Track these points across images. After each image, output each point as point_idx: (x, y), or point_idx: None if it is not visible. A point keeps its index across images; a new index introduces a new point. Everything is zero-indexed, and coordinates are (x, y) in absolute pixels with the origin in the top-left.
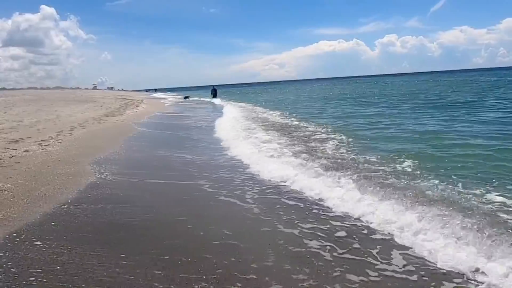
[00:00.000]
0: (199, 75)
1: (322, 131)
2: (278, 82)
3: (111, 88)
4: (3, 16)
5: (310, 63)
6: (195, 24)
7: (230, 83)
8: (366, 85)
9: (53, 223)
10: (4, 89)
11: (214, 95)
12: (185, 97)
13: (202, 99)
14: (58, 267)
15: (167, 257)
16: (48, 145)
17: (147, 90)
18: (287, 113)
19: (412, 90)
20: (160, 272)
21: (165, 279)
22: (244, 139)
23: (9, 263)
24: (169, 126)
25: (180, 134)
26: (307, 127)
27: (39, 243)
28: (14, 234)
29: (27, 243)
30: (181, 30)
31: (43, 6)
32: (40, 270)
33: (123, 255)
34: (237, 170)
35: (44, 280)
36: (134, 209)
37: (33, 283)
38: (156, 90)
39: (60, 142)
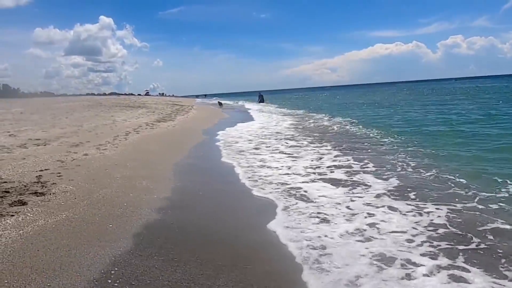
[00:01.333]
0: (248, 80)
1: None
2: (330, 87)
3: (162, 94)
4: (66, 27)
5: (365, 67)
6: (244, 30)
7: (280, 89)
8: (435, 92)
9: (110, 225)
10: (65, 95)
11: (261, 101)
12: (220, 104)
13: (243, 104)
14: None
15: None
16: (105, 149)
17: (197, 96)
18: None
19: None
20: None
21: None
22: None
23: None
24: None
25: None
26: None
27: (100, 243)
28: (76, 236)
29: (85, 245)
30: (231, 35)
31: (102, 17)
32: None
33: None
34: None
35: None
36: (186, 212)
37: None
38: (205, 95)
39: (116, 147)
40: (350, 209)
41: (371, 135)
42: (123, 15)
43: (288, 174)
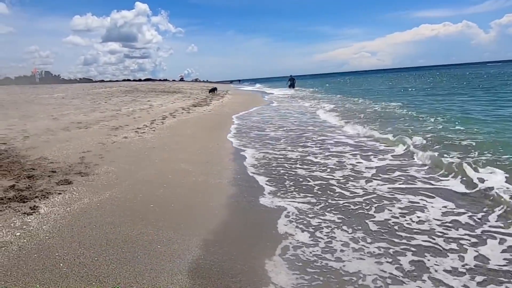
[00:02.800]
0: (282, 65)
1: None
2: (369, 71)
3: (196, 80)
4: (103, 14)
5: (408, 50)
6: (280, 12)
7: (315, 73)
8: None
9: (151, 205)
10: (103, 81)
11: (292, 85)
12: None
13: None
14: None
15: None
16: (144, 132)
17: (231, 81)
18: None
19: None
20: None
21: None
22: None
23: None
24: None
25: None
26: None
27: (142, 222)
28: (120, 214)
29: (129, 223)
30: (265, 19)
31: (137, 3)
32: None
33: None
34: None
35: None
36: (219, 198)
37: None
38: (240, 81)
39: (154, 130)
40: None
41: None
42: (159, 0)
43: None
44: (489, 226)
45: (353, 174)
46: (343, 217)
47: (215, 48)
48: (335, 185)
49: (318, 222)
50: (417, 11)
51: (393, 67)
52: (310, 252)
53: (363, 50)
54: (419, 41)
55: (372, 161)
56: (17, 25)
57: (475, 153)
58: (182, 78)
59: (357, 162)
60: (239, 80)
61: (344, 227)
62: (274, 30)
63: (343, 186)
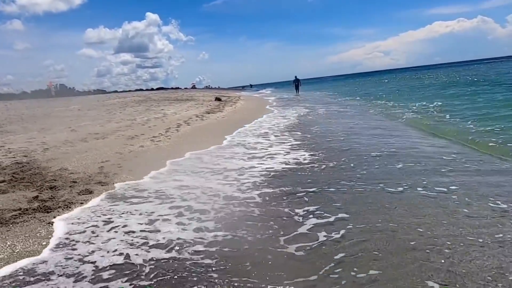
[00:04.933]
0: (294, 69)
1: None
2: (382, 71)
3: (208, 87)
4: (115, 26)
5: (422, 48)
6: (291, 16)
7: (328, 75)
8: None
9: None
10: (116, 91)
11: (296, 87)
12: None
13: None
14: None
15: None
16: (160, 141)
17: (242, 87)
18: None
19: None
20: None
21: None
22: None
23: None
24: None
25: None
26: None
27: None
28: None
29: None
30: (276, 23)
31: (148, 13)
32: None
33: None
34: None
35: None
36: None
37: None
38: (251, 86)
39: (169, 138)
40: None
41: None
42: (169, 10)
43: None
44: None
45: None
46: None
47: (226, 54)
48: None
49: None
50: (430, 8)
51: (408, 66)
52: None
53: (376, 50)
54: (434, 38)
55: None
56: (32, 40)
57: None
58: (194, 85)
59: None
60: (251, 85)
61: None
62: (285, 34)
63: None
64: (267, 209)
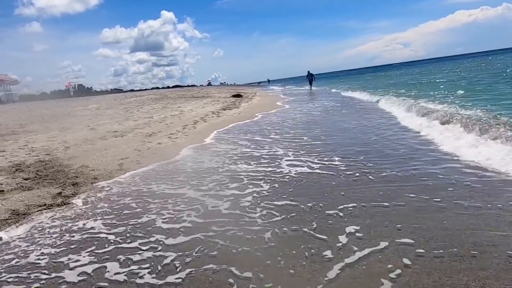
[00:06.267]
0: (310, 63)
1: None
2: (403, 63)
3: (223, 84)
4: (131, 25)
5: (444, 39)
6: (305, 10)
7: (344, 69)
8: None
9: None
10: (133, 90)
11: (310, 82)
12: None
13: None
14: None
15: None
16: (177, 138)
17: (258, 83)
18: None
19: None
20: None
21: None
22: None
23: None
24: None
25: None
26: None
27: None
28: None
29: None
30: (290, 18)
31: (163, 12)
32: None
33: None
34: None
35: None
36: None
37: None
38: (269, 81)
39: (187, 135)
40: None
41: None
42: (183, 8)
43: None
44: None
45: None
46: None
47: (241, 50)
48: None
49: None
50: None
51: (429, 57)
52: None
53: (394, 42)
54: (455, 28)
55: None
56: (50, 42)
57: None
58: (210, 82)
59: None
60: (268, 80)
61: None
62: (299, 29)
63: None
64: None
